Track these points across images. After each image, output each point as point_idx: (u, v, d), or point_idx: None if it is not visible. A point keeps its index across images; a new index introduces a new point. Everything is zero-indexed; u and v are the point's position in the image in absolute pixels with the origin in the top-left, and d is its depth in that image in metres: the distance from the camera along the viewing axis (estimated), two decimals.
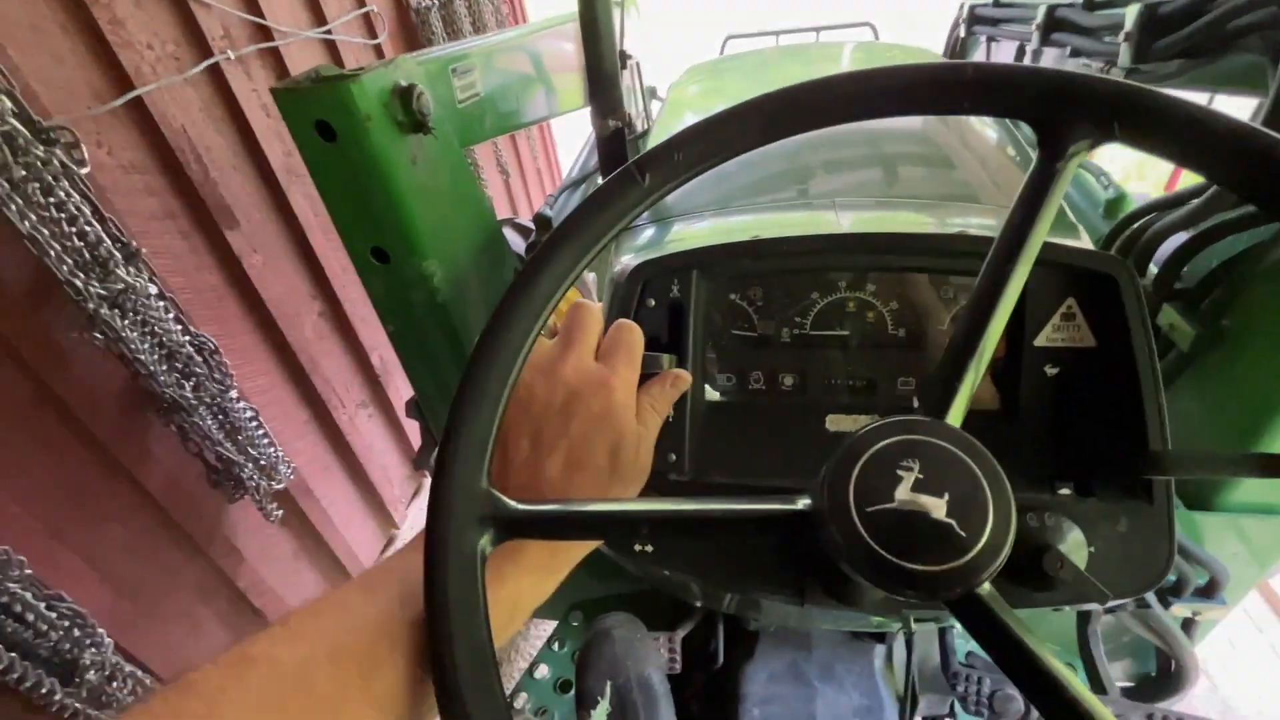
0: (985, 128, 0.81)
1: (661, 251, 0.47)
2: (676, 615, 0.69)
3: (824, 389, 0.47)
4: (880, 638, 0.63)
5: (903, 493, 0.24)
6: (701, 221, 0.53)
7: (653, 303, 0.46)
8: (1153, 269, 0.67)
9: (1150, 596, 0.58)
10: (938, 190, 0.62)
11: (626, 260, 0.47)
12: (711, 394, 0.48)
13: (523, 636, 1.50)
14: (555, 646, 0.82)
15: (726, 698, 0.63)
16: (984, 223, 0.53)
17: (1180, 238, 0.62)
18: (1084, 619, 0.58)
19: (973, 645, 0.66)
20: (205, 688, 0.25)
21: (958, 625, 0.71)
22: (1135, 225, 0.67)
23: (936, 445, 0.25)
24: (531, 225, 0.96)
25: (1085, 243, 0.45)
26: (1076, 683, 0.21)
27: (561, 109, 0.96)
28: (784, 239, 0.45)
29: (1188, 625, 0.67)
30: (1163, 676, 0.72)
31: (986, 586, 0.23)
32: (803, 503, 0.26)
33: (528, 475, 0.34)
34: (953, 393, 0.26)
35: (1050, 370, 0.43)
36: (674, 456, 0.43)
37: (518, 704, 0.76)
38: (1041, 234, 0.27)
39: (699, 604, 0.60)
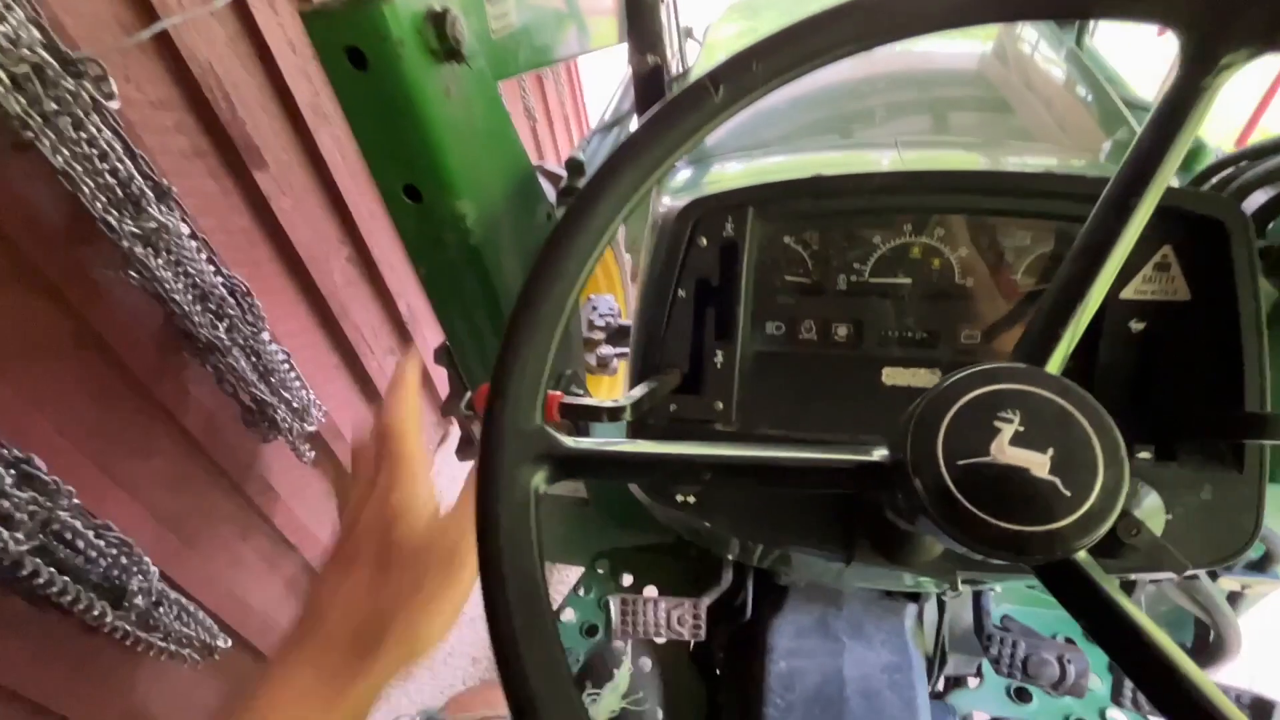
0: (1051, 66, 0.75)
1: (719, 188, 0.44)
2: (702, 572, 0.69)
3: (880, 341, 0.45)
4: (913, 597, 0.62)
5: (1000, 446, 0.22)
6: (747, 161, 0.50)
7: (704, 242, 0.43)
8: None
9: None
10: (1000, 132, 0.57)
11: (670, 201, 0.44)
12: (761, 343, 0.46)
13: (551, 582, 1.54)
14: (581, 592, 0.83)
15: (753, 650, 0.63)
16: (1052, 162, 0.49)
17: (1269, 191, 0.57)
18: (1127, 588, 0.57)
19: (1007, 608, 0.65)
20: None
21: (996, 587, 0.70)
22: (1217, 178, 0.62)
23: (1039, 396, 0.22)
24: (561, 171, 0.93)
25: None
26: (1184, 658, 0.19)
27: (596, 44, 0.91)
28: (850, 175, 0.42)
29: (1233, 598, 0.65)
30: (1200, 647, 0.70)
31: (1084, 553, 0.22)
32: (879, 453, 0.24)
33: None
34: (1055, 340, 0.24)
35: (1136, 326, 0.39)
36: (720, 405, 0.42)
37: None
38: (1173, 164, 0.24)
39: (730, 557, 0.59)
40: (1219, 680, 0.63)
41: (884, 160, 0.47)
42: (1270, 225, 0.58)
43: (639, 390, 0.37)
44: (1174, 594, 0.63)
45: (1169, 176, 0.24)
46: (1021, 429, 0.22)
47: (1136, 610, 0.21)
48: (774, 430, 0.41)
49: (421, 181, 0.53)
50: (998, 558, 0.21)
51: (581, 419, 0.35)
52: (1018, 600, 0.75)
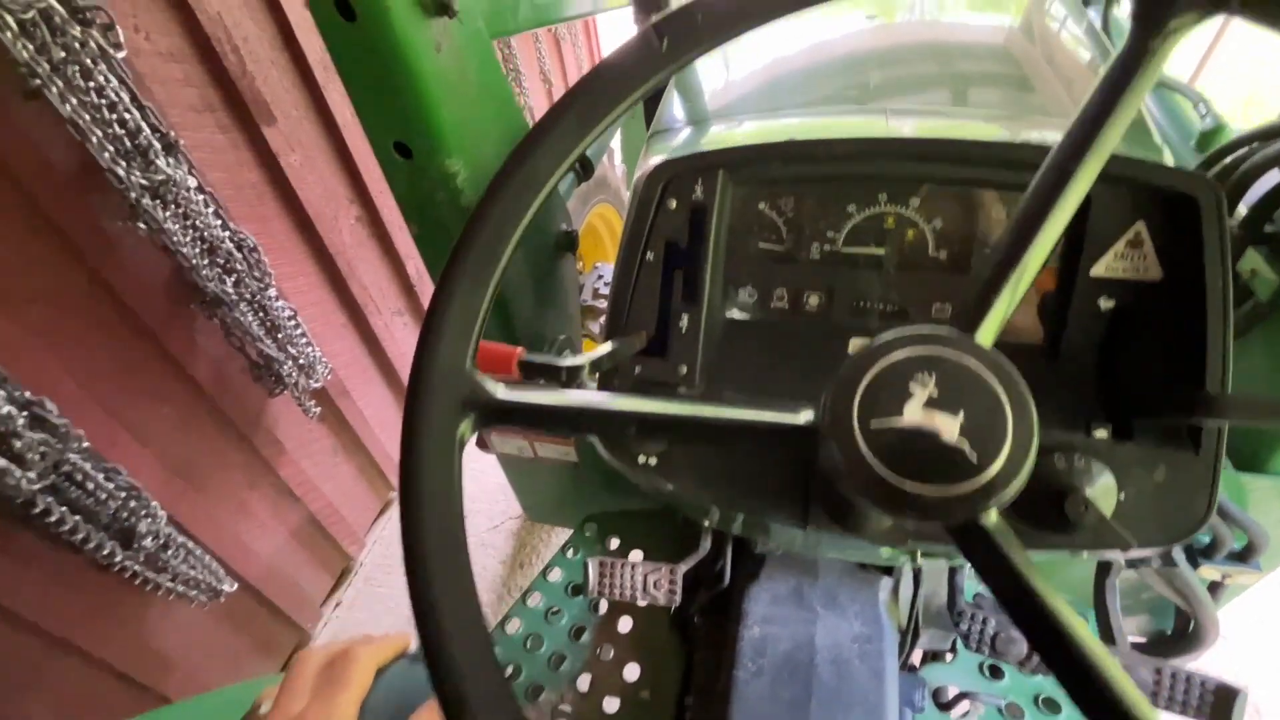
0: (1078, 46, 0.72)
1: (691, 150, 0.43)
2: (687, 538, 0.70)
3: (851, 311, 0.44)
4: (888, 571, 0.63)
5: (913, 409, 0.22)
6: (739, 124, 0.49)
7: (674, 205, 0.43)
8: (1242, 209, 0.60)
9: (1179, 555, 0.56)
10: (1010, 106, 0.55)
11: (651, 161, 0.44)
12: (730, 310, 0.46)
13: (544, 542, 1.57)
14: (569, 553, 0.85)
15: (728, 615, 0.64)
16: (1055, 137, 0.47)
17: (1278, 174, 0.55)
18: (1103, 570, 0.57)
19: (982, 586, 0.65)
20: None
21: (969, 565, 0.71)
22: (1227, 160, 0.60)
23: (959, 362, 0.22)
24: None
25: (1168, 163, 0.39)
26: (1080, 626, 0.20)
27: (604, 5, 0.89)
28: (820, 141, 0.41)
29: (1214, 587, 0.65)
30: (1178, 635, 0.71)
31: (994, 517, 0.22)
32: (804, 415, 0.24)
33: None
34: (986, 307, 0.23)
35: (1105, 303, 0.39)
36: (684, 369, 0.42)
37: (530, 602, 0.80)
38: (1118, 128, 0.23)
39: (707, 524, 0.60)
40: (1198, 667, 0.64)
41: (875, 125, 0.45)
42: (1278, 210, 0.56)
43: (599, 350, 0.38)
44: (1154, 581, 0.63)
45: (1113, 141, 0.23)
46: (935, 393, 0.22)
47: (1040, 577, 0.21)
48: (737, 396, 0.41)
49: (411, 138, 0.53)
50: (907, 518, 0.22)
51: (539, 376, 0.35)
52: None
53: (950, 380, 0.22)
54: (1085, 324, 0.39)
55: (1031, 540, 0.34)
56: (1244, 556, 0.60)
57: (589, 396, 0.25)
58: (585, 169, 0.93)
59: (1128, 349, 0.38)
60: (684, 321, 0.41)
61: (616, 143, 1.65)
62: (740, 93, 0.59)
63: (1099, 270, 0.38)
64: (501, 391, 0.24)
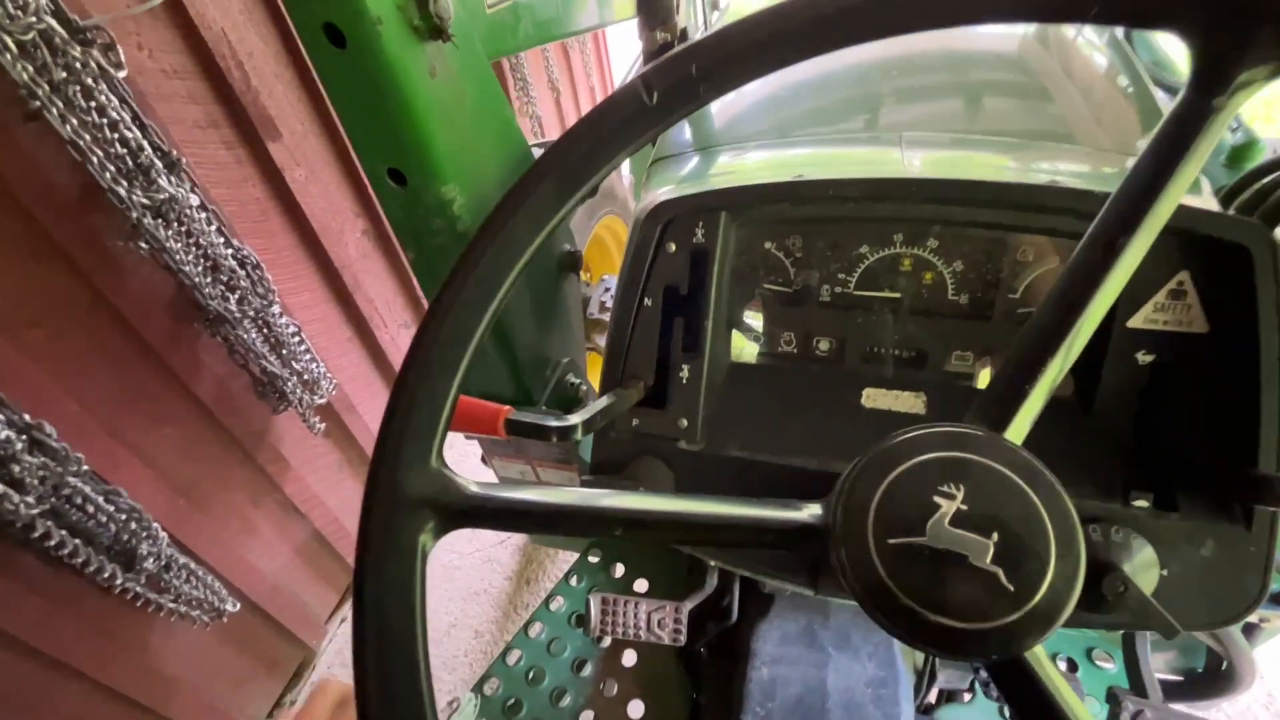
0: (1094, 52, 0.69)
1: (692, 189, 0.41)
2: (694, 569, 0.67)
3: (865, 357, 0.41)
4: None
5: (938, 526, 0.19)
6: (748, 153, 0.46)
7: (673, 248, 0.40)
8: None
9: None
10: (1030, 126, 0.53)
11: (654, 195, 0.41)
12: (735, 355, 0.43)
13: (550, 559, 1.55)
14: (573, 581, 0.82)
15: (736, 654, 0.62)
16: (1078, 169, 0.44)
17: None
18: None
19: None
20: None
21: None
22: (1267, 179, 0.57)
23: (989, 468, 0.19)
24: None
25: (1207, 199, 0.36)
26: None
27: (608, 18, 0.88)
28: (828, 181, 0.38)
29: (1250, 629, 0.61)
30: (1211, 675, 0.67)
31: (1038, 651, 0.19)
32: (810, 512, 0.21)
33: None
34: (1019, 399, 0.20)
35: (1144, 358, 0.35)
36: (685, 423, 0.39)
37: (532, 633, 0.78)
38: (1175, 197, 0.20)
39: (713, 563, 0.58)
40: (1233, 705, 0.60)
41: (889, 157, 0.43)
42: None
43: (593, 407, 0.35)
44: None
45: (1167, 213, 0.20)
46: (965, 507, 0.19)
47: (1085, 713, 0.18)
48: (741, 451, 0.39)
49: (406, 164, 0.51)
50: (925, 651, 0.19)
51: (527, 436, 0.33)
52: None
53: (981, 491, 0.19)
54: (1122, 379, 0.36)
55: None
56: None
57: (569, 494, 0.23)
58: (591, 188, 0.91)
59: (1170, 408, 0.35)
60: (685, 372, 0.38)
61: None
62: (749, 114, 0.56)
63: (1137, 321, 0.35)
64: (473, 487, 0.22)
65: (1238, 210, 0.60)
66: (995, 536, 0.19)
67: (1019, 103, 0.60)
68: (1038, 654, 0.19)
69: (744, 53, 0.22)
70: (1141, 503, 0.33)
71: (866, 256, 0.40)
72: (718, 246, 0.40)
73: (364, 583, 0.21)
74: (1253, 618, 0.59)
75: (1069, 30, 0.72)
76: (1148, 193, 0.20)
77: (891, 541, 0.19)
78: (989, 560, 0.19)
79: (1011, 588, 0.18)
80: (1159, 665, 0.77)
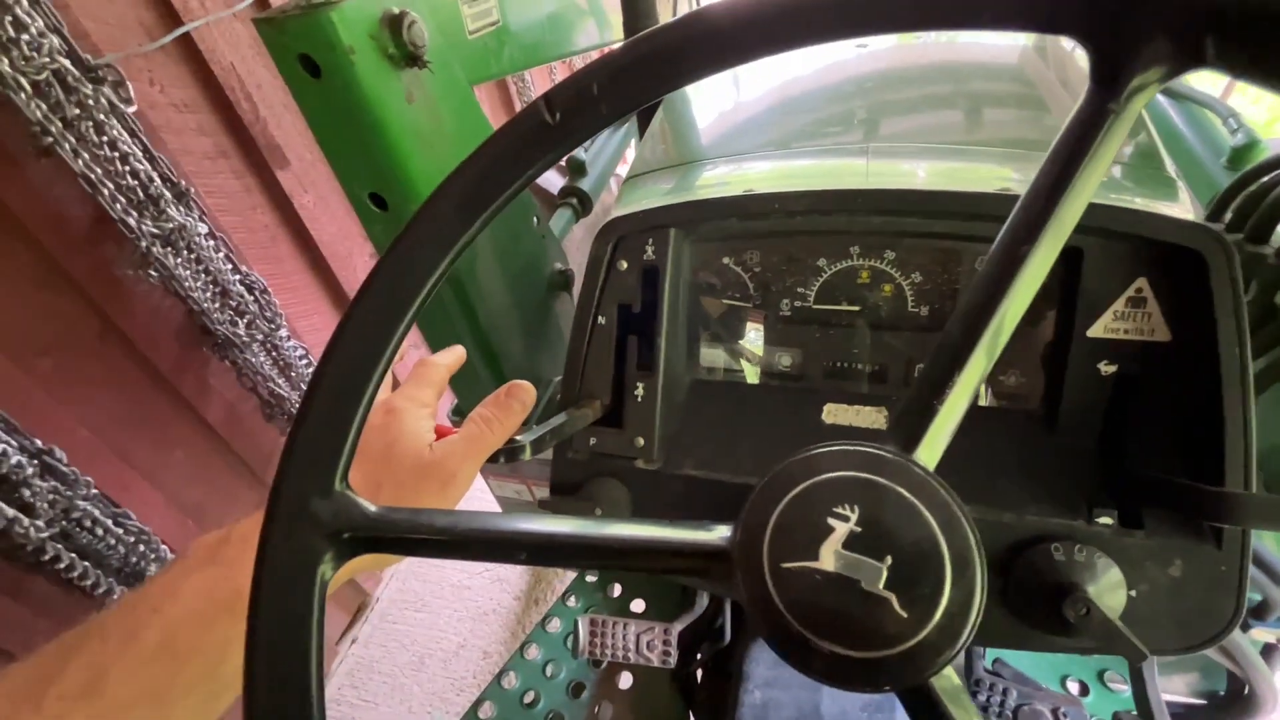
0: (1084, 61, 0.68)
1: (640, 205, 0.41)
2: (689, 589, 0.66)
3: (826, 373, 0.41)
4: None
5: (830, 549, 0.18)
6: (712, 169, 0.46)
7: (624, 265, 0.40)
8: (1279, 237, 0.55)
9: None
10: (1008, 136, 0.52)
11: (611, 214, 0.41)
12: (697, 370, 0.43)
13: (559, 577, 1.54)
14: (570, 602, 0.82)
15: (729, 676, 0.60)
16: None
17: None
18: None
19: (1001, 651, 0.60)
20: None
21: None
22: (1265, 179, 0.55)
23: (889, 490, 0.19)
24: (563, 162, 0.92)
25: (1181, 204, 0.35)
26: None
27: (604, 39, 0.89)
28: (774, 195, 0.38)
29: (1269, 651, 0.58)
30: (1231, 699, 0.64)
31: (948, 675, 0.18)
32: (719, 534, 0.20)
33: None
34: (928, 418, 0.19)
35: (1106, 368, 0.34)
36: (641, 441, 0.39)
37: (528, 655, 0.77)
38: (1077, 205, 0.19)
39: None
40: None
41: (852, 168, 0.42)
42: None
43: (541, 428, 0.35)
44: None
45: (1073, 218, 0.19)
46: (859, 529, 0.18)
47: None
48: (697, 470, 0.38)
49: (386, 189, 0.52)
50: (821, 681, 0.18)
51: None
52: None
53: (877, 514, 0.18)
54: (1084, 391, 0.35)
55: (1027, 640, 0.30)
56: None
57: (473, 519, 0.22)
58: (584, 205, 0.92)
59: (1134, 422, 0.34)
60: (640, 390, 0.38)
61: (623, 169, 1.65)
62: (727, 129, 0.56)
63: (1097, 330, 0.34)
64: (375, 510, 0.22)
65: (1236, 211, 0.58)
66: (889, 560, 0.18)
67: (1002, 112, 0.59)
68: (948, 682, 0.18)
69: (641, 70, 0.22)
70: (1105, 520, 0.31)
71: (824, 270, 0.40)
72: (667, 263, 0.40)
73: (257, 611, 0.20)
74: (1270, 637, 0.57)
75: (1065, 42, 0.71)
76: (1051, 198, 0.19)
77: (785, 566, 0.19)
78: (881, 585, 0.18)
79: (905, 614, 0.18)
80: (1180, 687, 0.74)
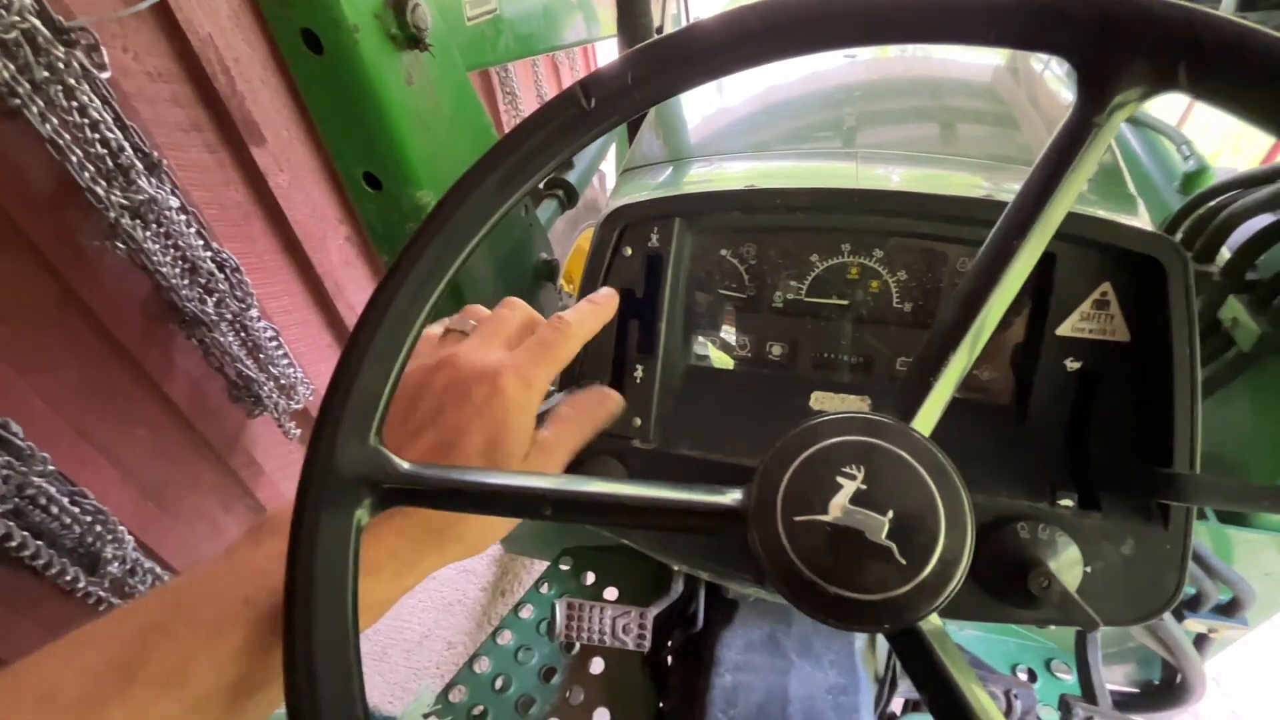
0: (1058, 86, 0.72)
1: (648, 195, 0.42)
2: (663, 578, 0.68)
3: (815, 363, 0.43)
4: None
5: (838, 504, 0.21)
6: (711, 165, 0.48)
7: (629, 252, 0.41)
8: (1225, 253, 0.59)
9: None
10: (995, 151, 0.55)
11: (614, 201, 0.43)
12: (693, 357, 0.45)
13: (526, 569, 1.55)
14: (543, 589, 0.82)
15: (701, 661, 0.62)
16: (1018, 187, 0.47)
17: (1262, 220, 0.54)
18: None
19: (968, 635, 0.64)
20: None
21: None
22: (1211, 203, 0.59)
23: (891, 453, 0.21)
24: None
25: (1141, 219, 0.38)
26: None
27: (593, 34, 0.89)
28: (776, 190, 0.40)
29: (1201, 640, 0.63)
30: (1166, 687, 0.69)
31: (933, 620, 0.20)
32: (732, 497, 0.23)
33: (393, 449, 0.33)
34: (925, 392, 0.22)
35: (1071, 364, 0.38)
36: (639, 421, 0.40)
37: (500, 640, 0.77)
38: (1062, 207, 0.22)
39: (677, 568, 0.58)
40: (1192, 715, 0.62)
41: (842, 171, 0.45)
42: (1261, 257, 0.56)
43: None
44: (1138, 633, 0.61)
45: (1056, 219, 0.22)
46: (864, 487, 0.21)
47: (978, 689, 0.19)
48: (692, 450, 0.40)
49: (381, 169, 0.52)
50: (828, 624, 0.20)
51: None
52: (979, 629, 0.74)
53: (881, 474, 0.21)
54: (1052, 386, 0.38)
55: (993, 612, 0.33)
56: (1229, 611, 0.58)
57: (501, 476, 0.23)
58: (570, 197, 0.92)
59: (1096, 414, 0.37)
60: (639, 372, 0.40)
61: (607, 165, 1.66)
62: (720, 129, 0.58)
63: (1065, 329, 0.37)
64: (407, 467, 0.23)
65: (1187, 231, 0.63)
66: (890, 514, 0.20)
67: (981, 128, 0.62)
68: (935, 626, 0.20)
69: (676, 64, 0.24)
70: (1067, 502, 0.35)
71: (816, 265, 0.42)
72: (671, 251, 0.41)
73: (297, 557, 0.21)
74: (1201, 628, 0.61)
75: (1035, 64, 0.75)
76: (1039, 200, 0.22)
77: (797, 519, 0.21)
78: (884, 536, 0.20)
79: (904, 561, 0.20)
80: (1118, 678, 0.79)
